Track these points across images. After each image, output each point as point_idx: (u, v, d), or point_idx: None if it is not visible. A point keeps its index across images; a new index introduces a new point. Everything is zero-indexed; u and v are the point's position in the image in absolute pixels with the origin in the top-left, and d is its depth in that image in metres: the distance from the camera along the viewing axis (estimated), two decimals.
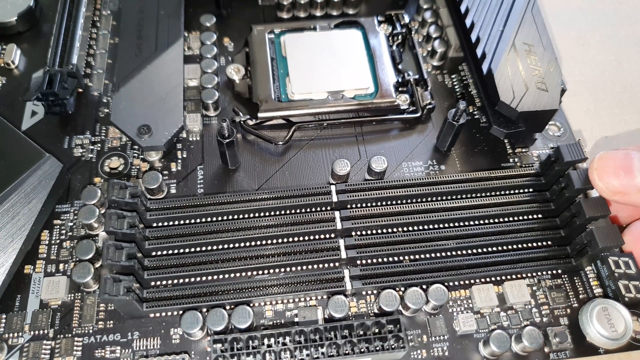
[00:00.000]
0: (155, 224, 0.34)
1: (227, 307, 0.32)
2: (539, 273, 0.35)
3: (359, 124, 0.41)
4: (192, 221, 0.34)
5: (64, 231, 0.35)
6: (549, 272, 0.35)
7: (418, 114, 0.40)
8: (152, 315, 0.32)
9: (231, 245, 0.34)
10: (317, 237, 0.34)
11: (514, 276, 0.35)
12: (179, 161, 0.38)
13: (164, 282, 0.33)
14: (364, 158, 0.39)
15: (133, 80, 0.39)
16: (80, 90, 0.41)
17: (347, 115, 0.40)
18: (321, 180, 0.38)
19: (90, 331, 0.32)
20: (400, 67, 0.42)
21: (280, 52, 0.42)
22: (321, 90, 0.40)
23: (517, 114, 0.36)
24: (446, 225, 0.35)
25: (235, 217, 0.34)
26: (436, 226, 0.35)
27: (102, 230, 0.35)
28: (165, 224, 0.34)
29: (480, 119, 0.41)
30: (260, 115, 0.39)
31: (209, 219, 0.34)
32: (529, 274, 0.35)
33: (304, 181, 0.38)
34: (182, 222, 0.34)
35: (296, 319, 0.33)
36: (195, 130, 0.40)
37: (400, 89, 0.41)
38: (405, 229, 0.35)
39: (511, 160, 0.40)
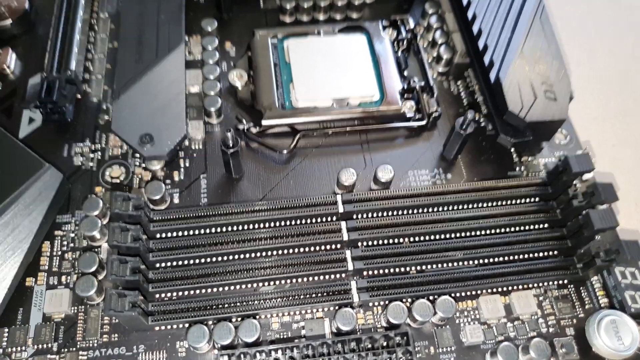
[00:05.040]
0: (159, 235, 0.33)
1: (234, 320, 0.32)
2: (546, 283, 0.35)
3: (364, 131, 0.40)
4: (197, 232, 0.33)
5: (65, 242, 0.35)
6: (556, 282, 0.35)
7: (424, 122, 0.40)
8: (157, 328, 0.32)
9: (236, 257, 0.33)
10: (323, 248, 0.34)
11: (520, 287, 0.34)
12: (182, 170, 0.38)
13: (169, 295, 0.32)
14: (369, 167, 0.39)
15: (134, 87, 0.38)
16: (79, 96, 0.40)
17: (352, 123, 0.40)
18: (326, 189, 0.38)
19: (95, 345, 0.32)
20: (405, 73, 0.42)
21: (284, 57, 0.42)
22: (326, 98, 0.40)
23: (526, 124, 0.36)
24: (453, 235, 0.35)
25: (240, 227, 0.34)
26: (443, 237, 0.35)
27: (105, 241, 0.34)
28: (170, 235, 0.33)
29: (486, 126, 0.41)
30: (264, 122, 0.39)
31: (213, 230, 0.33)
32: (536, 284, 0.35)
33: (309, 190, 0.38)
34: (186, 233, 0.33)
35: (303, 332, 0.33)
36: (198, 138, 0.39)
37: (405, 95, 0.41)
38: (412, 239, 0.34)
39: (517, 168, 0.39)
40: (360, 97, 0.40)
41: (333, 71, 0.41)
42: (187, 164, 0.38)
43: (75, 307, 0.32)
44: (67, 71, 0.38)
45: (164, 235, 0.33)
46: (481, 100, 0.42)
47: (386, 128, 0.40)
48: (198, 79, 0.42)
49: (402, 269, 0.34)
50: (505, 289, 0.34)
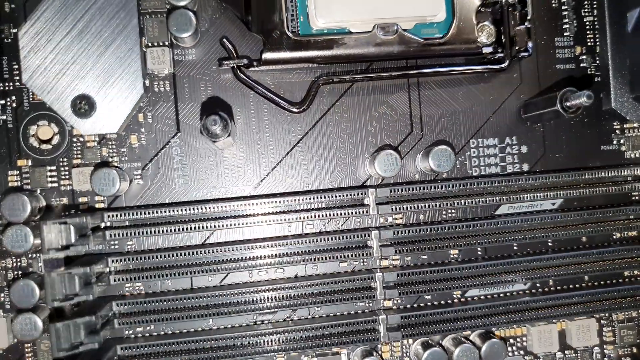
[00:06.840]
0: (118, 260, 0.24)
1: None
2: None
3: (414, 75, 0.27)
4: (169, 255, 0.24)
5: None
6: None
7: (504, 64, 0.27)
8: None
9: (227, 282, 0.25)
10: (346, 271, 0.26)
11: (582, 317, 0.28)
12: (142, 131, 0.26)
13: (143, 330, 0.25)
14: (416, 132, 0.27)
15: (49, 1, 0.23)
16: None
17: (398, 61, 0.27)
18: (352, 169, 0.27)
19: None
20: None
21: None
22: (364, 17, 0.25)
23: None
24: (515, 250, 0.27)
25: (231, 247, 0.25)
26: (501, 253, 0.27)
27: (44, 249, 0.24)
28: (133, 258, 0.24)
29: (588, 68, 0.28)
30: (265, 56, 0.25)
31: (191, 252, 0.24)
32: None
33: (326, 170, 0.27)
34: (157, 255, 0.24)
35: None
36: (163, 74, 0.26)
37: (482, 10, 0.27)
38: (458, 248, 0.27)
39: (615, 141, 0.28)
40: (417, 16, 0.26)
41: None
42: (150, 121, 0.26)
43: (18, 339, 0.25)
44: None
45: (125, 259, 0.24)
46: (590, 24, 0.28)
47: (448, 72, 0.27)
48: None
49: (444, 287, 0.26)
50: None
